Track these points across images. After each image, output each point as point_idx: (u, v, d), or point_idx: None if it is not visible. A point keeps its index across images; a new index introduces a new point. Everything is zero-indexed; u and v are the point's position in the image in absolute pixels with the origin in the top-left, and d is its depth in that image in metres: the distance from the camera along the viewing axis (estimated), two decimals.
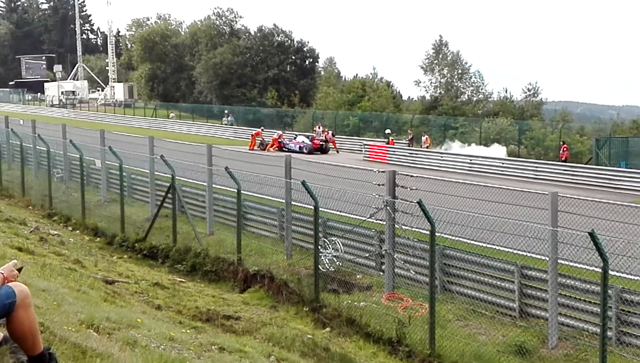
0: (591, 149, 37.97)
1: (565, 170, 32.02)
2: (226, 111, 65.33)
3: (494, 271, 12.40)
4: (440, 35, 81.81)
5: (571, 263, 11.41)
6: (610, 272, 9.45)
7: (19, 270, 4.96)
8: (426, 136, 44.63)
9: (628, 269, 10.50)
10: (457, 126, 49.49)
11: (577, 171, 31.49)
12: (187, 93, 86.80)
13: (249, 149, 42.41)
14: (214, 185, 18.20)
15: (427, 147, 42.91)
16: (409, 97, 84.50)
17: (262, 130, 46.79)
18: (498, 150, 41.38)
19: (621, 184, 28.60)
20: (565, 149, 38.19)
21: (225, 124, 60.28)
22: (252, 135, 45.85)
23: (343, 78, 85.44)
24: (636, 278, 10.84)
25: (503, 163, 34.58)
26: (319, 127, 48.55)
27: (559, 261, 11.03)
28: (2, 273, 4.76)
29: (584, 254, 10.18)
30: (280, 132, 46.77)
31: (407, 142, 44.84)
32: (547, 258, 11.04)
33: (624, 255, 10.15)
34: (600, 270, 9.26)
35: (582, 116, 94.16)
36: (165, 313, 10.34)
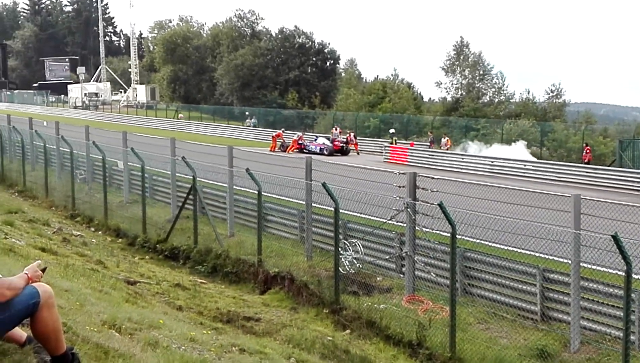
0: (614, 151, 37.57)
1: (588, 172, 31.71)
2: (247, 113, 65.56)
3: (516, 274, 12.32)
4: (461, 36, 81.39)
5: (594, 266, 11.30)
6: (634, 276, 9.34)
7: (43, 270, 5.02)
8: (447, 138, 44.41)
9: None
10: (478, 128, 49.22)
11: (600, 174, 31.17)
12: (208, 95, 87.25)
13: (270, 151, 42.49)
14: (234, 186, 18.25)
15: (447, 149, 42.70)
16: (430, 98, 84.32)
17: (282, 131, 46.88)
18: (520, 147, 40.95)
19: None
20: (588, 151, 37.81)
21: (249, 126, 60.48)
22: (272, 136, 45.93)
23: (364, 79, 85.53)
24: None
25: (525, 165, 34.32)
26: (336, 129, 48.52)
27: (581, 264, 10.93)
28: (27, 274, 4.83)
29: (607, 257, 10.07)
30: (300, 133, 46.82)
31: (428, 143, 44.68)
32: (570, 261, 10.95)
33: None
34: (623, 274, 9.16)
35: (606, 117, 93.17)
36: (186, 314, 10.40)
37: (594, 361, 10.39)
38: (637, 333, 10.37)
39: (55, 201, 21.96)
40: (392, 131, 47.37)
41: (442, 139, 44.38)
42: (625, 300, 9.10)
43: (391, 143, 43.41)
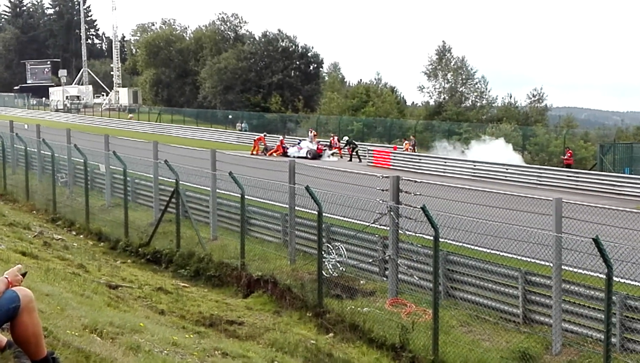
0: (595, 155, 37.89)
1: (569, 176, 31.94)
2: (231, 116, 65.51)
3: (498, 277, 12.37)
4: (443, 41, 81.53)
5: (575, 269, 11.39)
6: (615, 278, 9.42)
7: (23, 274, 4.97)
8: (406, 142, 44.62)
9: (632, 275, 10.45)
10: (460, 132, 49.45)
11: (581, 177, 31.41)
12: (191, 98, 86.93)
13: (251, 154, 42.54)
14: (217, 190, 18.21)
15: (406, 150, 42.89)
16: (413, 102, 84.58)
17: (264, 136, 46.94)
18: (499, 144, 41.27)
19: (625, 190, 28.53)
20: (570, 154, 38.06)
21: (240, 130, 60.33)
22: (254, 140, 46.06)
23: (347, 83, 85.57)
24: None
25: (507, 169, 34.52)
26: (311, 132, 48.44)
27: (563, 267, 11.01)
28: (7, 278, 4.78)
29: (588, 260, 10.15)
30: (281, 137, 46.84)
31: (410, 148, 44.77)
32: (551, 264, 11.02)
33: (628, 261, 10.12)
34: (604, 276, 9.23)
35: (587, 121, 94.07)
36: (168, 318, 10.35)
37: None
38: (617, 335, 10.45)
39: (36, 204, 21.79)
40: (346, 138, 46.89)
41: (404, 142, 44.62)
42: (606, 303, 9.17)
43: (346, 145, 43.63)
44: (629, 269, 10.18)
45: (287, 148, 43.69)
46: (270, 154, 42.94)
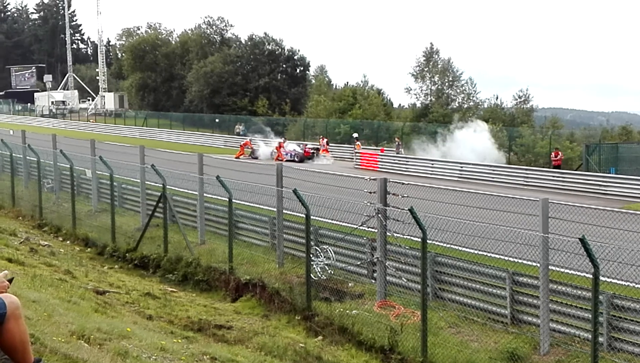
0: (581, 156, 38.08)
1: (555, 176, 32.12)
2: (217, 120, 65.38)
3: (486, 278, 12.42)
4: (430, 43, 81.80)
5: (562, 269, 11.45)
6: (601, 278, 9.48)
7: (10, 281, 4.94)
8: (358, 142, 44.77)
9: (619, 275, 10.53)
10: (445, 133, 49.45)
11: (567, 178, 31.58)
12: (178, 102, 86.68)
13: (235, 158, 42.41)
14: (205, 194, 18.16)
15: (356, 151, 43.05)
16: (400, 104, 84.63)
17: (250, 140, 46.92)
18: (480, 126, 41.75)
19: (611, 190, 28.71)
20: (557, 155, 38.13)
21: (238, 134, 60.11)
22: (240, 145, 46.05)
23: (334, 86, 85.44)
24: (627, 283, 10.87)
25: (494, 170, 34.67)
26: (323, 139, 48.14)
27: (550, 267, 11.06)
28: None
29: (575, 260, 10.21)
30: (280, 140, 46.58)
31: (395, 149, 44.84)
32: (539, 265, 11.07)
33: (615, 261, 10.19)
34: (591, 276, 9.29)
35: (572, 122, 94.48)
36: (156, 324, 10.31)
37: None
38: (605, 334, 10.51)
39: (22, 210, 21.66)
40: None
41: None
42: (593, 302, 9.23)
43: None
44: (616, 268, 10.26)
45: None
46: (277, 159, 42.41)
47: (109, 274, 14.80)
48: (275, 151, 43.45)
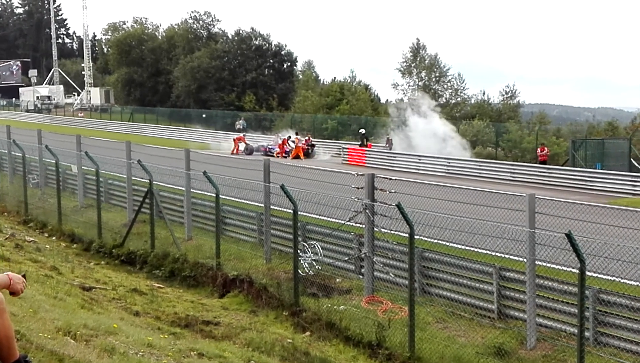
0: (567, 151, 38.26)
1: (542, 172, 32.26)
2: (204, 116, 65.19)
3: (473, 273, 12.46)
4: (417, 38, 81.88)
5: (549, 265, 11.50)
6: (587, 273, 9.53)
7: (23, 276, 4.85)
8: (297, 137, 44.52)
9: (605, 270, 10.60)
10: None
11: (553, 173, 31.74)
12: (164, 97, 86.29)
13: (231, 154, 42.26)
14: (192, 190, 18.10)
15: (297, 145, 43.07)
16: (387, 100, 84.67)
17: (244, 135, 46.76)
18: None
19: (597, 186, 28.87)
20: (543, 150, 38.25)
21: (238, 129, 59.85)
22: (234, 140, 45.75)
23: (321, 81, 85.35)
24: (613, 278, 10.94)
25: (480, 166, 34.81)
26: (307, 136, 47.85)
27: (536, 262, 11.11)
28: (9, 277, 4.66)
29: (562, 255, 10.26)
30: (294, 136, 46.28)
31: (384, 145, 44.80)
32: (525, 260, 11.12)
33: (601, 256, 10.25)
34: (577, 271, 9.34)
35: (559, 118, 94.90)
36: (143, 320, 10.27)
37: (550, 357, 10.57)
38: (591, 329, 10.58)
39: (7, 206, 21.49)
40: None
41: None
42: (580, 297, 9.28)
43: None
44: (602, 263, 10.32)
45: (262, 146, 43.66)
46: (294, 157, 42.11)
47: (96, 270, 14.73)
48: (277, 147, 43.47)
